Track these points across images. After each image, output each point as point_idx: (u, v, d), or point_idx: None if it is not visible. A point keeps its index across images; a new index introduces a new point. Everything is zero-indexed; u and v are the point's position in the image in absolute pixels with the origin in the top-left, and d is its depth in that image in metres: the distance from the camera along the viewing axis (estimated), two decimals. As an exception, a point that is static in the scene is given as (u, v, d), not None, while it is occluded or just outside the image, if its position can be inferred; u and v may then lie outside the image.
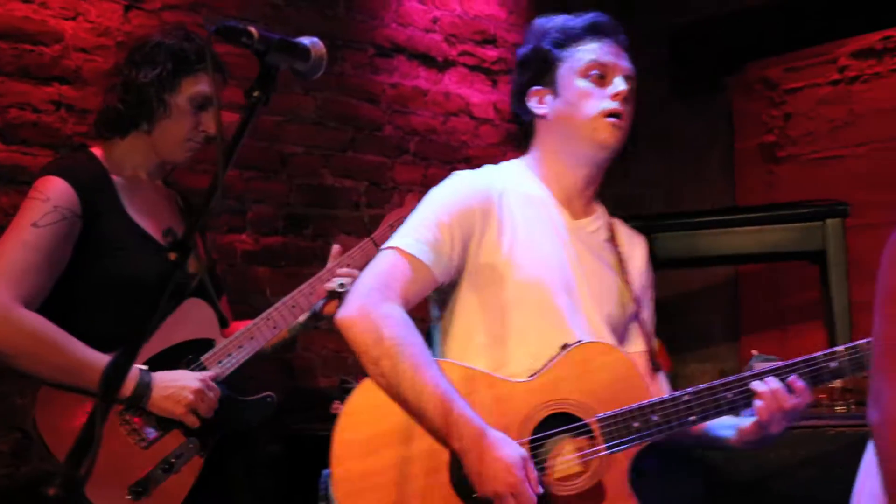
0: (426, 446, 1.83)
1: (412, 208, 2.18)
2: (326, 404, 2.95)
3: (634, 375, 1.93)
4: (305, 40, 1.43)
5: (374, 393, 1.85)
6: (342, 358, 3.40)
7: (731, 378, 1.88)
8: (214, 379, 2.15)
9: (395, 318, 1.86)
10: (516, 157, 3.87)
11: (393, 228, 2.52)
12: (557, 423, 1.87)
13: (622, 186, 4.56)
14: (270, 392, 2.26)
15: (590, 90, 1.99)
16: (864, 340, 1.85)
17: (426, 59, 3.80)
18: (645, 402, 1.88)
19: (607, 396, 1.88)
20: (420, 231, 1.92)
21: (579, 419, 1.86)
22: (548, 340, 1.92)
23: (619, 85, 1.98)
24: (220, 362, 2.19)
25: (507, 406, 1.85)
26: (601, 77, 1.99)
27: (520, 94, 2.06)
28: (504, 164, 2.09)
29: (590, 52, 2.01)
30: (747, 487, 2.43)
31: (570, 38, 2.02)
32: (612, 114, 1.97)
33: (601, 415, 1.87)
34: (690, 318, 4.34)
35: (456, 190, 1.98)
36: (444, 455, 1.82)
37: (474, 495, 1.79)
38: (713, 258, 3.78)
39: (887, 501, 1.41)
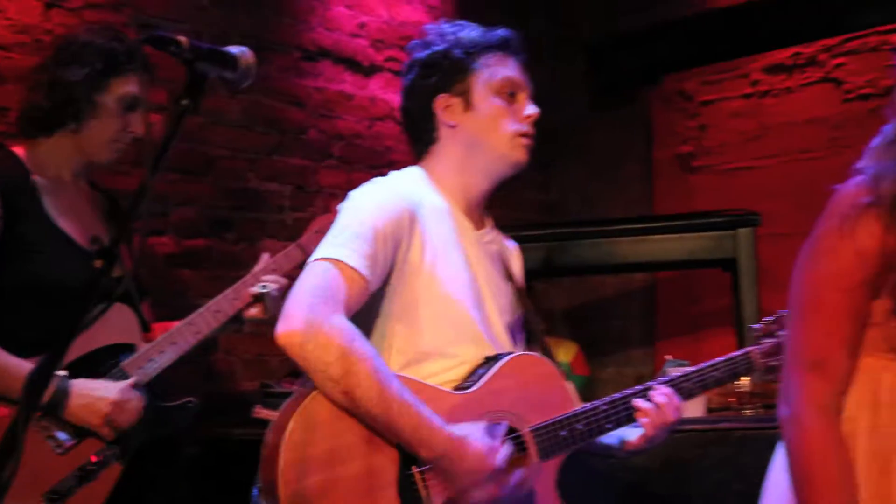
0: (377, 461, 1.82)
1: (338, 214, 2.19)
2: (247, 408, 2.94)
3: (562, 386, 2.00)
4: (234, 49, 1.44)
5: (325, 408, 1.79)
6: (264, 361, 3.39)
7: (638, 388, 1.98)
8: (136, 385, 2.14)
9: (350, 333, 1.80)
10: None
11: (319, 234, 2.49)
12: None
13: (543, 193, 4.65)
14: (191, 397, 2.25)
15: (504, 108, 2.00)
16: (741, 352, 2.00)
17: (352, 64, 3.81)
18: (570, 412, 1.95)
19: (539, 407, 1.94)
20: (357, 242, 1.86)
21: (515, 429, 1.91)
22: (467, 353, 1.95)
23: (531, 108, 2.02)
24: (141, 367, 2.17)
25: (452, 417, 1.86)
26: (511, 95, 2.01)
27: (423, 97, 2.02)
28: (405, 173, 2.05)
29: (504, 68, 2.02)
30: (661, 487, 2.50)
31: (483, 51, 2.01)
32: (524, 135, 2.01)
33: (534, 425, 1.92)
34: (608, 323, 4.44)
35: (385, 199, 1.94)
36: (394, 469, 1.82)
37: (426, 503, 1.82)
38: (630, 265, 3.86)
39: (794, 495, 1.49)
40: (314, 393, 1.78)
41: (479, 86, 2.00)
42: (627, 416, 1.96)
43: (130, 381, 2.12)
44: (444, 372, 1.92)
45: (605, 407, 1.95)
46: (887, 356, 1.49)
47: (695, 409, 2.65)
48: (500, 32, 2.03)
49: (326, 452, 1.77)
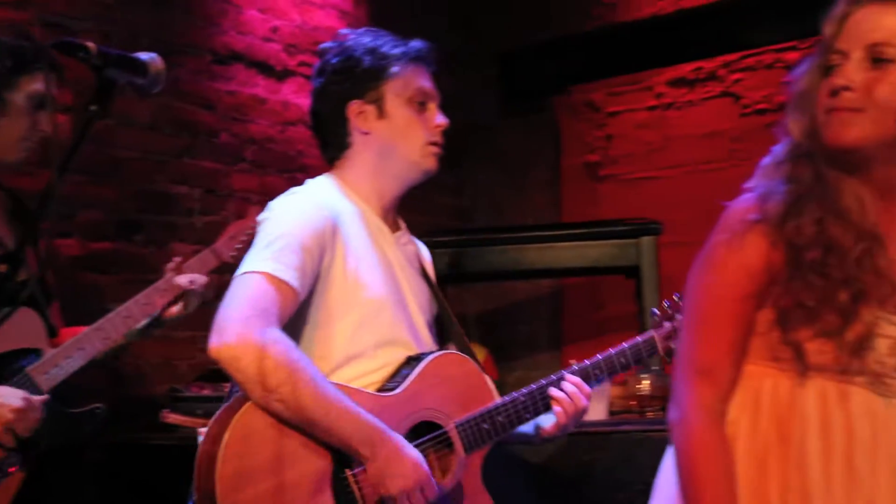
0: (310, 468, 1.86)
1: (254, 220, 2.18)
2: (155, 413, 2.91)
3: (483, 383, 2.08)
4: (144, 55, 1.44)
5: (258, 419, 1.82)
6: (173, 366, 3.35)
7: (552, 377, 2.08)
8: (42, 394, 2.09)
9: (285, 344, 1.83)
10: None
11: (234, 240, 2.51)
12: (421, 432, 1.98)
13: (456, 198, 4.70)
14: (99, 404, 2.22)
15: (416, 118, 2.06)
16: (644, 336, 2.12)
17: (265, 68, 3.78)
18: (491, 405, 2.03)
19: (461, 403, 2.02)
20: (285, 254, 1.88)
21: (439, 426, 1.99)
22: (392, 354, 2.01)
23: (440, 118, 2.08)
24: (46, 373, 2.12)
25: (381, 419, 1.91)
26: (422, 104, 2.07)
27: (336, 103, 2.05)
28: (319, 182, 2.08)
29: (417, 78, 2.07)
30: (565, 488, 2.56)
31: (398, 60, 2.05)
32: (435, 143, 2.08)
33: (458, 421, 2.00)
34: (517, 328, 4.50)
35: (307, 210, 1.97)
36: (327, 474, 1.87)
37: None
38: (538, 271, 3.91)
39: (681, 493, 1.55)
40: (248, 404, 1.81)
41: (393, 94, 2.04)
42: (544, 405, 2.05)
43: (44, 396, 2.08)
44: (368, 374, 1.98)
45: (522, 398, 2.04)
46: (769, 364, 1.55)
47: (597, 412, 2.72)
48: (415, 43, 2.09)
49: (263, 462, 1.81)
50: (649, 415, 2.83)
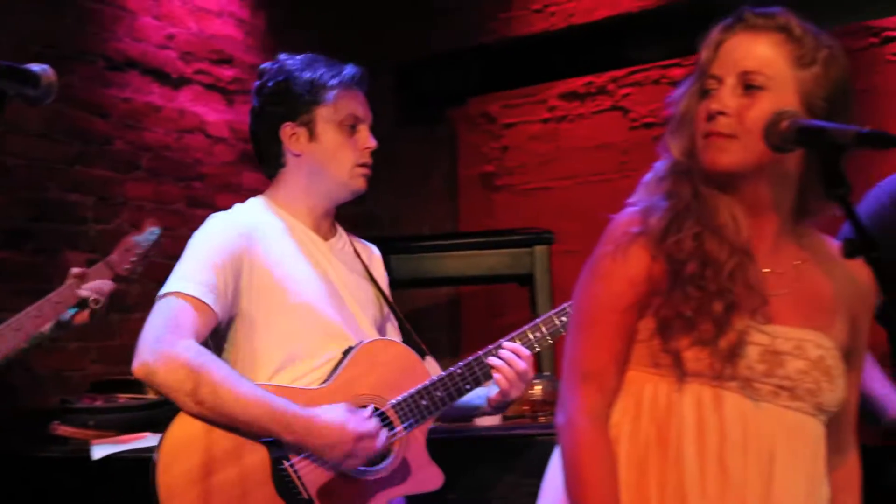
0: (250, 463, 1.96)
1: (149, 231, 2.39)
2: (45, 424, 2.84)
3: (415, 362, 2.16)
4: (35, 67, 1.42)
5: (191, 427, 1.94)
6: (64, 378, 3.28)
7: (490, 346, 2.17)
8: None
9: (197, 350, 1.94)
10: (252, 175, 3.89)
11: (129, 253, 2.48)
12: None
13: (357, 207, 4.69)
14: None
15: (345, 141, 2.15)
16: (553, 311, 2.22)
17: (160, 76, 3.73)
18: (427, 381, 2.10)
19: (396, 384, 2.09)
20: (198, 274, 2.00)
21: (377, 409, 2.06)
22: (331, 349, 2.09)
23: (370, 140, 2.19)
24: None
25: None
26: (353, 127, 2.16)
27: (270, 124, 2.15)
28: (249, 203, 2.20)
29: (348, 103, 2.16)
30: (460, 492, 2.57)
31: (330, 85, 2.14)
32: (363, 164, 2.17)
33: (393, 401, 2.07)
34: (420, 335, 4.51)
35: (221, 233, 2.08)
36: (267, 468, 1.97)
37: (299, 497, 1.97)
38: (437, 280, 3.96)
39: (566, 494, 1.59)
40: (178, 416, 1.94)
41: (324, 118, 2.13)
42: (484, 374, 2.13)
43: None
44: (311, 372, 2.07)
45: (459, 371, 2.12)
46: (649, 370, 1.59)
47: (492, 418, 2.77)
48: (348, 69, 2.17)
49: (198, 467, 1.92)
50: (541, 419, 2.90)
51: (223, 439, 1.95)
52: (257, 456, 1.96)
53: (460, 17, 4.32)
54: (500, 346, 2.16)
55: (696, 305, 1.53)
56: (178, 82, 3.81)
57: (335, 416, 1.96)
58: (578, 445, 1.58)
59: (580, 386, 1.61)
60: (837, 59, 1.57)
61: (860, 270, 1.53)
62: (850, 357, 1.63)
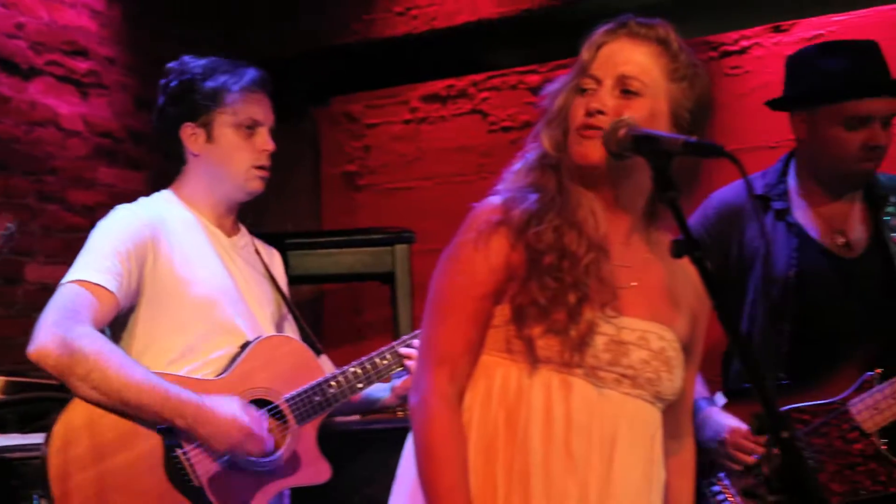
0: (141, 450, 2.00)
1: (4, 229, 2.41)
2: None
3: (310, 359, 2.22)
4: None
5: (82, 410, 1.99)
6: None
7: (383, 348, 2.24)
8: None
9: (92, 335, 1.98)
10: (108, 171, 3.81)
11: None
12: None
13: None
14: None
15: (242, 144, 2.19)
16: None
17: (9, 66, 3.58)
18: (321, 378, 2.16)
19: (291, 379, 2.15)
20: (101, 262, 2.04)
21: (270, 402, 2.11)
22: (227, 344, 2.14)
23: (268, 142, 2.23)
24: None
25: None
26: (250, 129, 2.20)
27: (171, 123, 2.21)
28: (155, 196, 2.23)
29: (247, 106, 2.19)
30: (319, 487, 2.57)
31: (230, 88, 2.18)
32: (260, 167, 2.22)
33: (287, 395, 2.13)
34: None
35: (126, 222, 2.12)
36: (158, 454, 2.01)
37: (189, 483, 2.02)
38: (299, 277, 3.91)
39: (419, 475, 1.61)
40: (72, 401, 1.99)
41: (220, 120, 2.19)
42: (377, 373, 2.21)
43: None
44: (207, 366, 2.11)
45: (353, 369, 2.19)
46: (502, 355, 1.63)
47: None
48: (249, 72, 2.23)
49: (90, 450, 1.97)
50: (399, 414, 2.93)
51: (117, 424, 1.98)
52: (150, 442, 2.00)
53: (324, 17, 4.29)
54: (414, 336, 2.20)
55: (551, 295, 1.58)
56: (29, 73, 3.66)
57: (228, 408, 2.00)
58: (430, 426, 1.61)
59: (435, 369, 1.63)
60: (703, 76, 1.66)
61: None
62: (688, 350, 1.71)
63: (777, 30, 3.73)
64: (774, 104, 2.44)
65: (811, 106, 2.31)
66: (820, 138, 2.29)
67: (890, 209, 2.32)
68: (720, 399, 2.32)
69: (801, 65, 2.40)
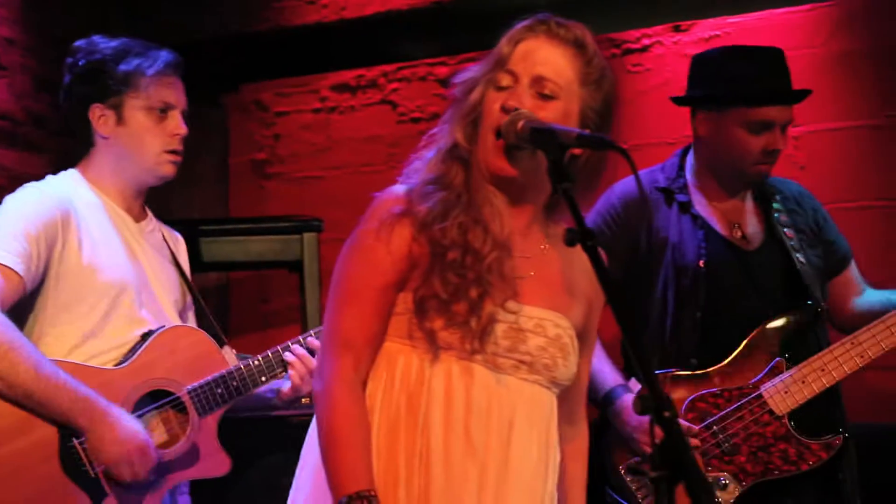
0: (37, 438, 1.98)
1: None
2: None
3: (214, 351, 2.21)
4: None
5: None
6: None
7: (287, 342, 2.23)
8: None
9: (3, 324, 1.95)
10: (6, 153, 3.70)
11: None
12: (153, 400, 2.10)
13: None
14: None
15: (153, 127, 2.16)
16: None
17: None
18: (224, 371, 2.16)
19: (193, 371, 2.14)
20: (10, 243, 2.00)
21: (171, 393, 2.12)
22: (129, 332, 2.13)
23: (180, 126, 2.19)
24: None
25: (108, 391, 2.01)
26: (163, 112, 2.17)
27: (79, 104, 2.16)
28: (62, 175, 2.17)
29: (159, 90, 2.16)
30: (237, 473, 2.55)
31: (141, 70, 2.14)
32: (171, 151, 2.18)
33: (189, 387, 2.13)
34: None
35: (37, 201, 2.07)
36: (54, 444, 1.99)
37: (86, 475, 2.00)
38: (205, 265, 3.89)
39: (323, 460, 1.62)
40: None
41: (132, 102, 2.17)
42: (281, 366, 2.21)
43: None
44: (106, 352, 2.09)
45: (256, 363, 2.19)
46: (405, 342, 1.67)
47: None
48: (163, 54, 2.20)
49: None
50: (304, 401, 2.93)
51: (12, 412, 1.95)
52: (46, 431, 1.98)
53: (233, 3, 4.25)
54: (299, 342, 2.21)
55: (453, 290, 1.61)
56: None
57: (131, 424, 2.00)
58: (334, 411, 1.62)
59: (338, 356, 1.65)
60: (611, 78, 1.72)
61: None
62: (583, 337, 1.76)
63: (677, 29, 3.81)
64: (680, 101, 2.51)
65: (719, 107, 2.39)
66: (723, 138, 2.39)
67: (777, 206, 2.43)
68: (635, 385, 2.38)
69: (709, 65, 2.48)
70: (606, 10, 3.71)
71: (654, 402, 1.30)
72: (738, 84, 2.38)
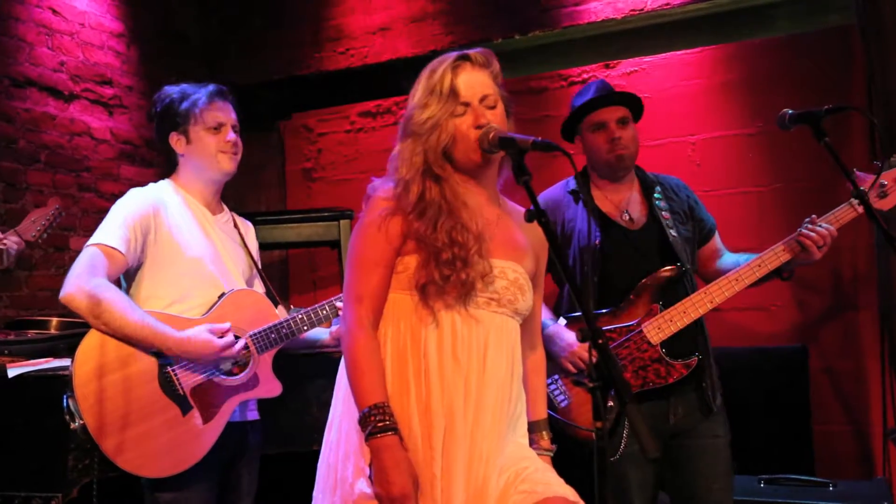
0: (141, 366, 2.06)
1: (52, 208, 2.47)
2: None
3: (269, 307, 2.25)
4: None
5: (95, 338, 2.04)
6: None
7: (324, 302, 2.24)
8: None
9: (104, 285, 2.03)
10: (128, 168, 3.78)
11: (35, 224, 2.60)
12: None
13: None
14: None
15: (211, 139, 2.24)
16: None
17: (54, 92, 3.69)
18: (276, 321, 2.20)
19: (254, 321, 2.19)
20: (115, 230, 2.10)
21: (239, 337, 2.15)
22: (209, 294, 2.18)
23: (229, 135, 2.26)
24: None
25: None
26: (217, 128, 2.24)
27: (162, 134, 2.26)
28: (160, 183, 2.28)
29: (211, 113, 2.24)
30: (276, 406, 2.38)
31: (196, 102, 2.23)
32: (225, 150, 2.25)
33: (251, 332, 2.17)
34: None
35: (135, 202, 2.17)
36: (154, 370, 2.06)
37: (177, 392, 2.06)
38: (271, 245, 4.01)
39: (350, 385, 1.65)
40: (89, 331, 2.06)
41: (194, 128, 2.23)
42: (318, 319, 2.23)
43: None
44: (193, 309, 2.17)
45: (301, 316, 2.22)
46: (406, 292, 1.67)
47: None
48: (210, 88, 2.25)
49: (97, 367, 2.02)
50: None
51: (119, 349, 2.03)
52: (147, 362, 2.06)
53: (284, 53, 4.35)
54: (339, 299, 2.18)
55: (448, 276, 1.64)
56: (69, 98, 3.78)
57: (202, 335, 2.06)
58: (354, 346, 1.63)
59: (354, 305, 1.66)
60: (499, 77, 1.76)
61: (538, 230, 1.61)
62: (534, 281, 1.80)
63: (607, 66, 3.93)
64: (565, 135, 2.51)
65: (579, 124, 2.39)
66: (588, 144, 2.43)
67: (657, 195, 2.45)
68: (562, 321, 2.39)
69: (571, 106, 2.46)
70: (556, 53, 3.93)
71: (591, 333, 1.32)
72: (574, 106, 2.42)
